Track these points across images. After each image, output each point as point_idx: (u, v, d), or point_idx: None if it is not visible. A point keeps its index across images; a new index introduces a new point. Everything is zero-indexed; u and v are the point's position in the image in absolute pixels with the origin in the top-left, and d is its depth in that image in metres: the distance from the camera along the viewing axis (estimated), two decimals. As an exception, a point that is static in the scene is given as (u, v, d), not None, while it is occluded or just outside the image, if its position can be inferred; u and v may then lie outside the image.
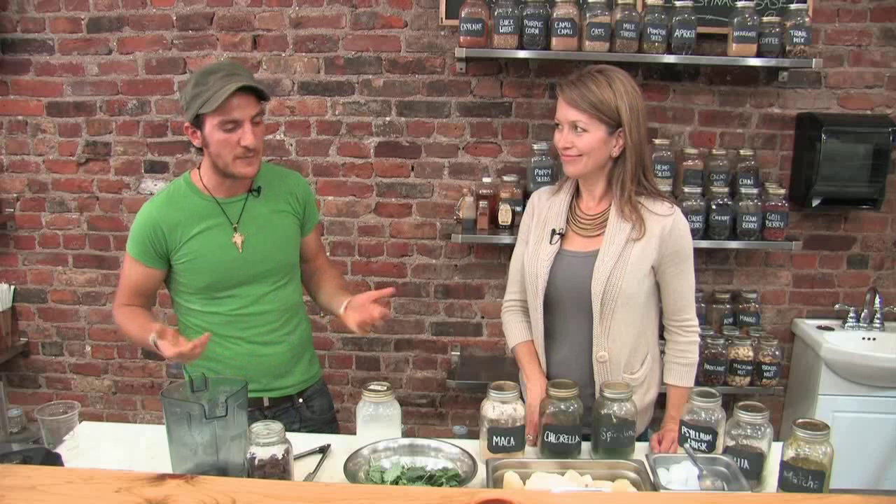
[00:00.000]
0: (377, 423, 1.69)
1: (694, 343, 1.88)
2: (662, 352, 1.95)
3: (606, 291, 1.78)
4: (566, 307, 1.85)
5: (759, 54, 2.72)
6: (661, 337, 1.95)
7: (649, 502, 1.35)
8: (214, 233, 1.89)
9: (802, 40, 2.70)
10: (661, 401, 1.96)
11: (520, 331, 1.98)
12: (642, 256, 1.79)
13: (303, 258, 2.10)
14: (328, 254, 3.02)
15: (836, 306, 3.09)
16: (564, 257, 1.84)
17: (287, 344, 1.99)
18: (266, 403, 1.98)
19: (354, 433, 1.73)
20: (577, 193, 1.90)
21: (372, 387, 1.69)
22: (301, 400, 2.05)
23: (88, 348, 3.32)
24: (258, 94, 1.81)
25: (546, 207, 1.90)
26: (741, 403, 1.55)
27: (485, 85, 2.99)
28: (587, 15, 2.66)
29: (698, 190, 2.82)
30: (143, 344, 1.86)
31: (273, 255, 1.95)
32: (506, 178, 2.93)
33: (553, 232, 1.85)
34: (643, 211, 1.80)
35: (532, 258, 1.87)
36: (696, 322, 1.88)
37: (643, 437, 1.91)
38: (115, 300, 2.00)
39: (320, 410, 2.10)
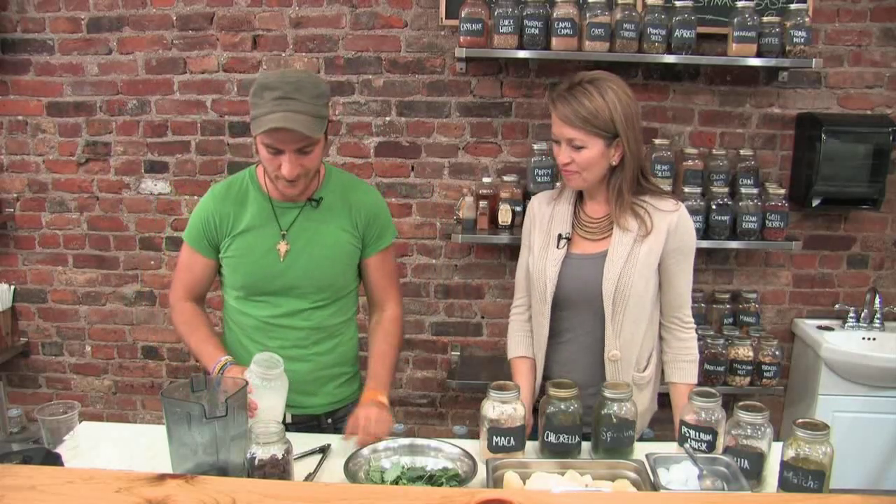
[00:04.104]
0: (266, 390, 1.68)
1: (695, 339, 1.91)
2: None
3: (617, 290, 1.78)
4: (575, 308, 1.85)
5: (759, 54, 2.72)
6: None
7: (649, 502, 1.35)
8: (260, 235, 1.81)
9: (802, 40, 2.70)
10: (660, 400, 1.96)
11: (519, 345, 1.98)
12: (650, 254, 1.79)
13: (364, 281, 1.95)
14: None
15: (836, 306, 3.09)
16: (573, 260, 1.84)
17: (313, 363, 1.88)
18: (288, 419, 1.85)
19: None
20: (580, 198, 1.90)
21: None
22: (329, 421, 1.94)
23: (88, 348, 3.32)
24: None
25: (548, 213, 1.90)
26: (741, 403, 1.55)
27: (485, 85, 2.99)
28: (587, 15, 2.66)
29: (698, 190, 2.82)
30: (197, 356, 1.86)
31: (314, 272, 1.83)
32: (506, 178, 2.93)
33: (560, 237, 1.85)
34: (649, 208, 1.80)
35: (539, 263, 1.86)
36: (692, 319, 1.91)
37: (650, 437, 1.91)
38: (171, 292, 1.93)
39: None
